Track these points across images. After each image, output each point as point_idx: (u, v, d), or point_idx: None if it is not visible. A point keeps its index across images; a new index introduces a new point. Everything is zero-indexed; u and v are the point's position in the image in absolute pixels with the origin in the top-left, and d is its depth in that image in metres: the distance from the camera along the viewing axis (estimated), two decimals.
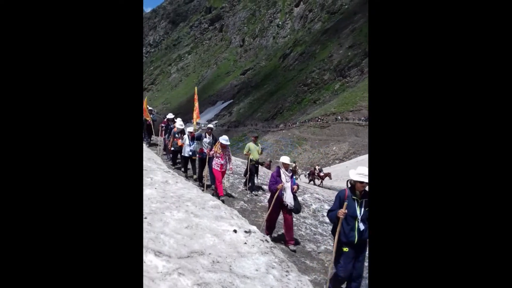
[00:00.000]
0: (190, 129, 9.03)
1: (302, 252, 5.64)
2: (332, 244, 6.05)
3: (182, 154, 9.19)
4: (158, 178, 5.84)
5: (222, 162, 7.40)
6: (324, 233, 6.76)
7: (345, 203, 3.65)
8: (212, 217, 4.04)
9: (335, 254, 3.79)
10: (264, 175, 11.17)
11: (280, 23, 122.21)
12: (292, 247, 5.56)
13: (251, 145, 9.03)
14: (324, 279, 4.69)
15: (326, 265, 5.24)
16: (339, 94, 69.78)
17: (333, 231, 3.91)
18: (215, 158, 7.43)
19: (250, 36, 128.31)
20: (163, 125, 12.00)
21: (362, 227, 3.67)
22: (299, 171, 29.47)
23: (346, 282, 3.90)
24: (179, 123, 10.09)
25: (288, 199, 5.46)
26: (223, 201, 6.18)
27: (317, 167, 25.67)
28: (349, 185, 3.85)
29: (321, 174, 24.17)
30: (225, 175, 8.03)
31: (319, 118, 57.81)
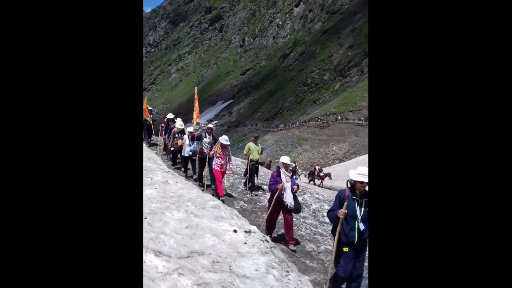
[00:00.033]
0: (190, 129, 9.02)
1: (302, 252, 5.64)
2: (332, 244, 6.05)
3: (182, 154, 9.19)
4: (158, 178, 5.84)
5: (222, 162, 7.40)
6: (324, 233, 6.76)
7: (345, 203, 3.65)
8: (212, 217, 4.04)
9: (335, 254, 3.79)
10: (264, 175, 11.17)
11: (280, 23, 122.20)
12: (292, 247, 5.56)
13: (251, 145, 9.02)
14: (324, 279, 4.69)
15: (326, 265, 5.24)
16: (339, 94, 69.78)
17: (333, 231, 3.91)
18: (215, 158, 7.43)
19: (250, 36, 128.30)
20: (163, 125, 11.99)
21: (362, 227, 3.67)
22: (299, 171, 29.46)
23: (346, 282, 3.90)
24: (179, 123, 10.09)
25: (288, 199, 5.46)
26: (223, 201, 6.18)
27: (317, 167, 25.64)
28: (349, 185, 3.84)
29: (321, 174, 24.14)
30: (225, 175, 8.03)
31: (319, 118, 57.81)
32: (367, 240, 3.74)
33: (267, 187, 8.42)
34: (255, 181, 9.30)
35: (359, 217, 3.67)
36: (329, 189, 17.31)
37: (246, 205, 7.58)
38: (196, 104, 9.29)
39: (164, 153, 11.77)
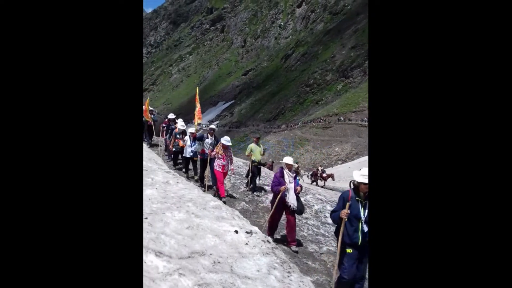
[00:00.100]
0: (191, 129, 9.01)
1: (304, 253, 5.61)
2: (334, 245, 6.03)
3: (184, 155, 9.17)
4: (159, 178, 5.83)
5: (224, 163, 7.38)
6: (326, 234, 6.73)
7: (347, 204, 3.63)
8: (213, 218, 4.02)
9: (339, 257, 3.75)
10: (265, 176, 11.15)
11: (282, 23, 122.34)
12: (294, 248, 5.54)
13: (253, 146, 9.01)
14: (327, 279, 4.66)
15: (328, 266, 5.22)
16: (341, 95, 69.76)
17: (336, 233, 3.88)
18: (216, 159, 7.41)
19: (252, 37, 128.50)
20: (164, 125, 11.98)
21: (366, 228, 3.64)
22: (302, 171, 29.42)
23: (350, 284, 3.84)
24: (180, 124, 10.08)
25: (291, 199, 5.42)
26: (224, 202, 6.16)
27: (320, 168, 25.58)
28: (352, 186, 3.82)
29: (324, 175, 24.08)
30: (226, 176, 8.02)
31: (321, 119, 57.82)
32: None
33: (269, 187, 8.40)
34: (257, 182, 9.28)
35: (363, 219, 3.64)
36: (331, 190, 17.28)
37: (247, 205, 7.56)
38: (198, 105, 9.28)
39: (166, 153, 11.76)
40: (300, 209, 5.54)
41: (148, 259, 2.72)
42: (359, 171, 3.76)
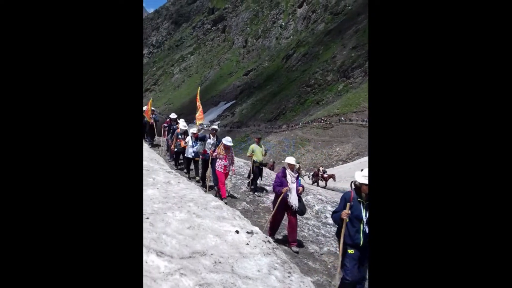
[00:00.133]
0: (193, 130, 9.00)
1: (304, 253, 5.62)
2: (335, 246, 6.03)
3: (185, 155, 9.17)
4: (160, 178, 5.84)
5: (226, 163, 7.37)
6: (327, 234, 6.74)
7: (348, 204, 3.62)
8: (214, 218, 4.03)
9: (341, 259, 3.74)
10: (266, 176, 11.15)
11: (283, 24, 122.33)
12: (295, 248, 5.54)
13: (254, 146, 9.00)
14: (327, 280, 4.67)
15: (328, 266, 5.22)
16: (342, 95, 69.70)
17: (338, 234, 3.88)
18: (218, 160, 7.40)
19: (253, 37, 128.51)
20: (165, 125, 11.98)
21: (367, 229, 3.63)
22: (303, 172, 29.40)
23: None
24: (182, 124, 10.08)
25: (293, 200, 5.42)
26: (225, 203, 6.17)
27: (321, 169, 25.54)
28: (354, 187, 3.81)
29: (325, 175, 24.04)
30: (228, 176, 8.02)
31: (322, 119, 57.77)
32: None
33: (270, 188, 8.39)
34: (259, 182, 9.28)
35: (365, 220, 3.64)
36: (332, 190, 17.27)
37: (248, 205, 7.57)
38: (200, 106, 9.28)
39: (167, 153, 11.75)
40: (302, 209, 5.53)
41: (150, 259, 2.72)
42: (361, 172, 3.75)
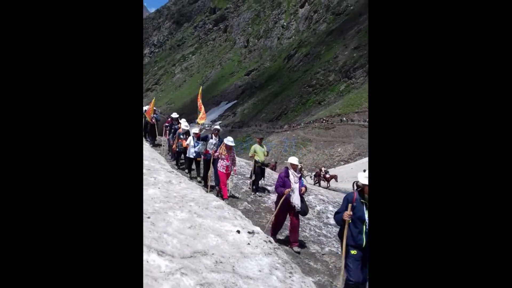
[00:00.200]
0: (195, 130, 8.99)
1: (306, 253, 5.61)
2: (336, 246, 6.01)
3: (187, 155, 9.16)
4: (161, 178, 5.84)
5: (228, 163, 7.36)
6: (329, 234, 6.73)
7: (350, 205, 3.61)
8: (215, 218, 4.02)
9: (345, 260, 3.73)
10: (267, 176, 11.14)
11: (284, 24, 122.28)
12: (296, 248, 5.52)
13: (256, 146, 8.97)
14: (328, 280, 4.66)
15: (330, 267, 5.21)
16: (344, 95, 69.62)
17: (340, 235, 3.87)
18: (220, 160, 7.39)
19: (255, 37, 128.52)
20: (167, 124, 11.97)
21: None
22: (305, 172, 29.39)
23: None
24: (184, 124, 10.07)
25: (296, 200, 5.40)
26: (227, 203, 6.16)
27: (323, 169, 25.49)
28: (356, 187, 3.80)
29: (327, 176, 23.99)
30: (229, 176, 8.01)
31: (324, 119, 57.72)
32: None
33: (271, 188, 8.37)
34: (260, 183, 9.25)
35: (367, 221, 3.62)
36: (334, 190, 17.26)
37: (249, 205, 7.56)
38: (202, 106, 9.27)
39: (169, 153, 11.75)
40: (304, 210, 5.51)
41: (151, 258, 2.72)
42: (363, 172, 3.74)
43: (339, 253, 4.99)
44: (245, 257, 3.17)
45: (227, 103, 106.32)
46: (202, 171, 8.89)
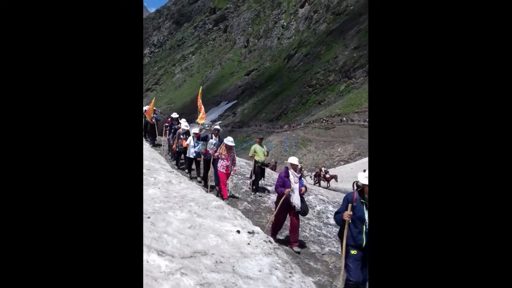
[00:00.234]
0: (195, 130, 8.99)
1: (306, 253, 5.60)
2: (336, 246, 6.01)
3: (187, 155, 9.16)
4: (161, 178, 5.84)
5: (228, 163, 7.36)
6: (329, 234, 6.72)
7: (350, 205, 3.61)
8: (215, 218, 4.02)
9: (345, 260, 3.73)
10: (267, 176, 11.14)
11: (284, 24, 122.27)
12: (296, 248, 5.52)
13: (256, 146, 8.97)
14: (328, 280, 4.66)
15: (330, 267, 5.21)
16: (344, 95, 69.61)
17: (340, 235, 3.87)
18: (220, 160, 7.39)
19: (255, 37, 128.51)
20: (167, 124, 11.98)
21: None
22: (305, 172, 29.38)
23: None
24: (184, 124, 10.06)
25: (296, 200, 5.40)
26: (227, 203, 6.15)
27: (323, 169, 25.48)
28: (356, 187, 3.80)
29: (327, 176, 23.98)
30: (229, 177, 8.01)
31: (324, 119, 57.72)
32: None
33: (271, 188, 8.36)
34: (260, 183, 9.25)
35: (367, 221, 3.62)
36: (334, 190, 17.25)
37: (249, 205, 7.55)
38: (202, 106, 9.26)
39: (169, 153, 11.74)
40: (304, 210, 5.51)
41: (151, 258, 2.72)
42: (363, 173, 3.74)
43: (339, 253, 4.99)
44: (245, 257, 3.17)
45: (227, 103, 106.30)
46: (202, 171, 8.88)
